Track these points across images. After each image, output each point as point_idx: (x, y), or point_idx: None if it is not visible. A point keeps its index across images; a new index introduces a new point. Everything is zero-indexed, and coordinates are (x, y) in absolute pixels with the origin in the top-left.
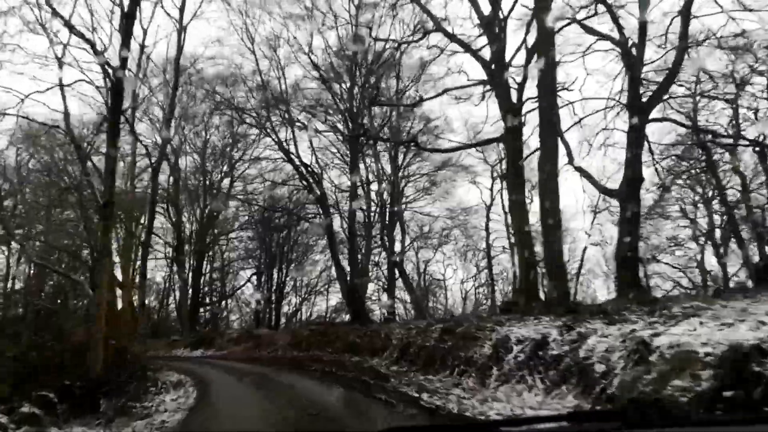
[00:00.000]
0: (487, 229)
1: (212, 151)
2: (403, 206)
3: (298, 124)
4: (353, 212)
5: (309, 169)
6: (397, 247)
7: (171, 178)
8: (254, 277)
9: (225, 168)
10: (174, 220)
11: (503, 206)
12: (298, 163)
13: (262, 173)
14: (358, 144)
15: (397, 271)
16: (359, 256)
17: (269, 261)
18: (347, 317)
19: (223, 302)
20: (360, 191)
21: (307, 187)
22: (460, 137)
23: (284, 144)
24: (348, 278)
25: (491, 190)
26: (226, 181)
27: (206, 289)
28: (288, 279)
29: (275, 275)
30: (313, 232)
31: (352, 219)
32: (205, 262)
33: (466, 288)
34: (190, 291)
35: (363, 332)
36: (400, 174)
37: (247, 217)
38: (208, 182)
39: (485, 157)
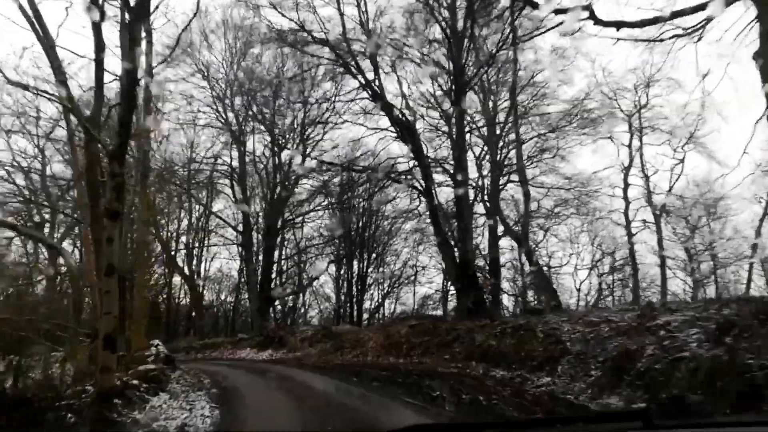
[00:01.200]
0: (625, 196)
1: (282, 115)
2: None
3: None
4: (461, 161)
5: (402, 115)
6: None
7: (232, 150)
8: (332, 267)
9: (296, 138)
10: (240, 200)
11: (643, 168)
12: (387, 105)
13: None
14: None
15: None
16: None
17: (349, 248)
18: (451, 310)
19: (299, 295)
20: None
21: (400, 135)
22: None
23: (373, 84)
24: (458, 257)
25: (629, 146)
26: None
27: (279, 280)
28: (371, 270)
29: (355, 265)
30: (398, 211)
31: (462, 179)
32: (276, 250)
33: (577, 277)
34: (260, 282)
35: (498, 329)
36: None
37: (324, 197)
38: (277, 155)
39: (618, 103)
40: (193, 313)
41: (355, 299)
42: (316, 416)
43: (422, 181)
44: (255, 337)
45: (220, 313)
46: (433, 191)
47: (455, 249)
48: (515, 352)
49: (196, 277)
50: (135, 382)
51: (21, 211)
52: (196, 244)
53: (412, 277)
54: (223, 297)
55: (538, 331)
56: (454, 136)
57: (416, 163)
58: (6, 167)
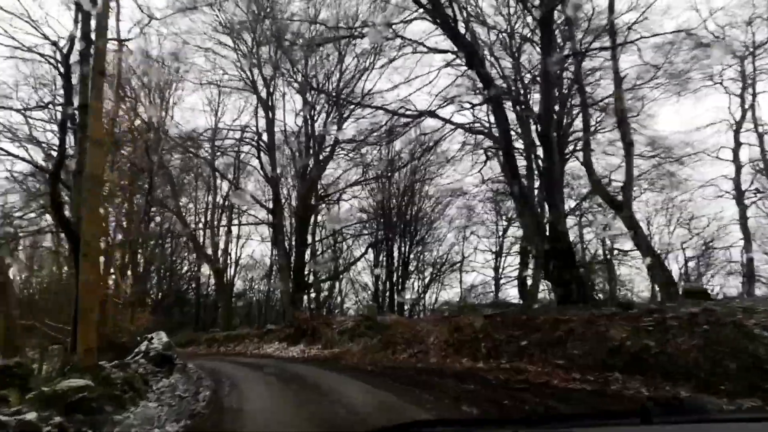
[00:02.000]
0: (735, 158)
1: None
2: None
3: None
4: (548, 91)
5: (469, 32)
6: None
7: (260, 118)
8: (370, 253)
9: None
10: (269, 174)
11: (756, 125)
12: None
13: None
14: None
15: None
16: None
17: (389, 230)
18: (522, 297)
19: (334, 283)
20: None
21: (467, 61)
22: None
23: None
24: (546, 222)
25: (741, 97)
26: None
27: (313, 264)
28: (413, 255)
29: (396, 250)
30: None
31: (549, 114)
32: (310, 231)
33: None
34: (292, 267)
35: (651, 320)
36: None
37: (361, 170)
38: (310, 123)
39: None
40: (219, 305)
41: (396, 287)
42: None
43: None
44: (285, 328)
45: (252, 303)
46: (509, 134)
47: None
48: (709, 359)
49: (221, 260)
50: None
51: None
52: (223, 222)
53: (458, 265)
54: (255, 286)
55: (751, 325)
56: (541, 54)
57: (486, 95)
58: None
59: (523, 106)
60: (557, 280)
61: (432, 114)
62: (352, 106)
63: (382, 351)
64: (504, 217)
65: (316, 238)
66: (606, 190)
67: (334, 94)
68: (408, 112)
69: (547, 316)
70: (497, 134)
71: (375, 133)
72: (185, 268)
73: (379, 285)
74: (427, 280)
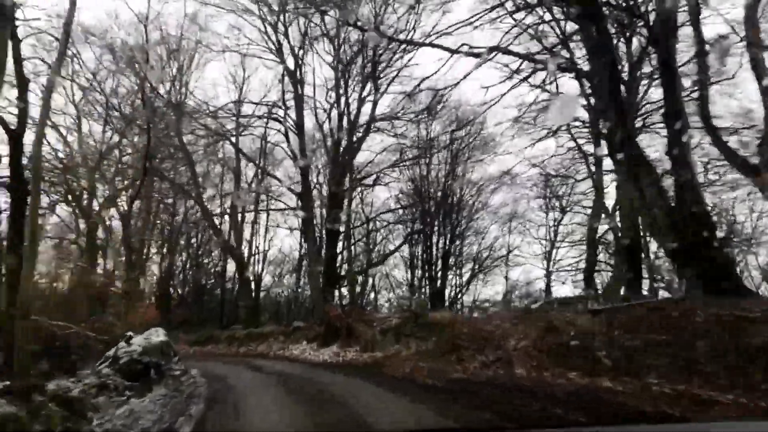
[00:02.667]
0: None
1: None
2: None
3: None
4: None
5: None
6: None
7: (284, 93)
8: (405, 246)
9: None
10: (298, 155)
11: None
12: None
13: None
14: None
15: None
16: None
17: (427, 219)
18: (585, 289)
19: (367, 276)
20: None
21: None
22: None
23: None
24: (676, 182)
25: None
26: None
27: (346, 255)
28: (453, 248)
29: (435, 242)
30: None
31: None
32: (342, 220)
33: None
34: (323, 258)
35: None
36: None
37: (399, 153)
38: (344, 97)
39: None
40: (240, 303)
41: (436, 283)
42: None
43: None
44: (314, 326)
45: (281, 300)
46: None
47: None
48: None
49: (245, 251)
50: None
51: None
52: (246, 213)
53: (501, 258)
54: (283, 281)
55: None
56: None
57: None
58: None
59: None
60: (695, 258)
61: (498, 49)
62: (391, 74)
63: (441, 357)
64: (558, 203)
65: (350, 226)
66: (733, 151)
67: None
68: (470, 49)
69: (719, 312)
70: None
71: (416, 110)
72: (210, 262)
73: (416, 280)
74: (467, 276)
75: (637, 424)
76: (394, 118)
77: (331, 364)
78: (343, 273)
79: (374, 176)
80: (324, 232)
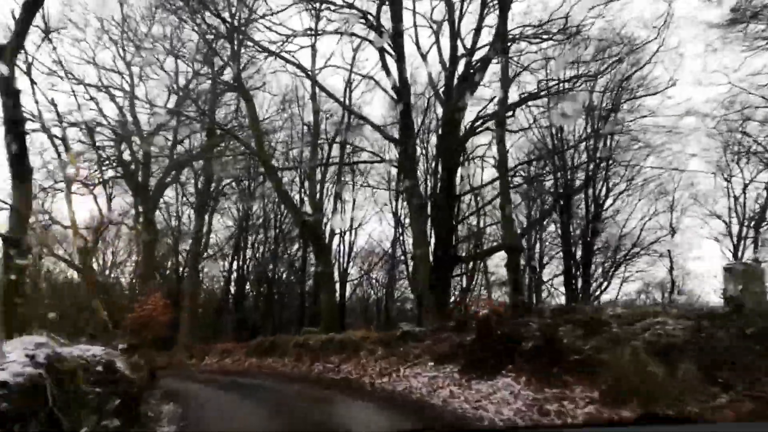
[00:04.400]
0: None
1: None
2: None
3: None
4: None
5: None
6: None
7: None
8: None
9: None
10: (396, 85)
11: None
12: None
13: None
14: None
15: None
16: None
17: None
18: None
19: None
20: None
21: None
22: None
23: None
24: None
25: None
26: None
27: (462, 228)
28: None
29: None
30: None
31: None
32: (457, 178)
33: None
34: (435, 231)
35: None
36: None
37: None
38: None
39: None
40: (318, 268)
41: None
42: None
43: None
44: (433, 328)
45: (369, 297)
46: None
47: None
48: None
49: (326, 230)
50: None
51: None
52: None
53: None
54: (373, 275)
55: None
56: None
57: None
58: None
59: None
60: None
61: None
62: None
63: None
64: None
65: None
66: None
67: None
68: None
69: None
70: None
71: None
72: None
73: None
74: (610, 265)
75: (637, 424)
76: (535, 37)
77: None
78: (463, 254)
79: (500, 118)
80: (432, 197)
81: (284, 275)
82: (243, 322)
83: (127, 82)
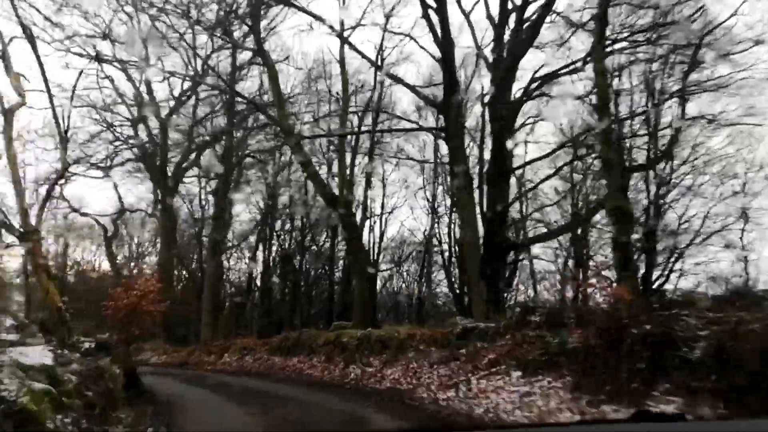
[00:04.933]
0: None
1: None
2: None
3: None
4: None
5: None
6: None
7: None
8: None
9: None
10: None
11: None
12: None
13: None
14: None
15: None
16: None
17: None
18: None
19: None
20: None
21: None
22: None
23: None
24: None
25: None
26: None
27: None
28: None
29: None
30: None
31: None
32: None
33: None
34: (483, 213)
35: None
36: None
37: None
38: None
39: None
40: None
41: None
42: None
43: None
44: (507, 323)
45: (399, 292)
46: None
47: None
48: None
49: (356, 210)
50: None
51: None
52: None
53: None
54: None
55: None
56: None
57: None
58: None
59: None
60: None
61: None
62: None
63: None
64: None
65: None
66: None
67: None
68: None
69: None
70: None
71: None
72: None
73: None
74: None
75: (636, 422)
76: None
77: None
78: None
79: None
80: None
81: (311, 265)
82: (268, 314)
83: (142, 58)
